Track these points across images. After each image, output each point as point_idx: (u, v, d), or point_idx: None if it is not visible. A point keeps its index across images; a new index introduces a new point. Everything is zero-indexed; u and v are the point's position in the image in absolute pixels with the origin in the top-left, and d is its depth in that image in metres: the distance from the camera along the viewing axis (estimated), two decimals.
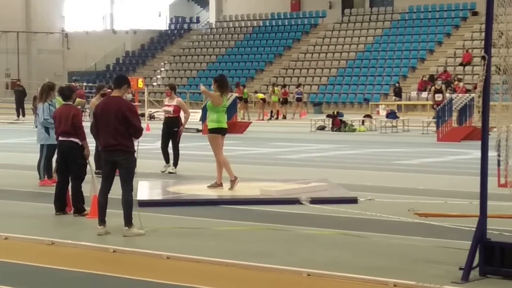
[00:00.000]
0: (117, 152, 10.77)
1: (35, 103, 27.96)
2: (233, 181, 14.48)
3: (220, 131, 14.76)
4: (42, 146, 15.64)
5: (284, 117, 44.79)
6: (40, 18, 70.56)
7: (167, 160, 18.02)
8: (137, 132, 10.90)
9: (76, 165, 12.35)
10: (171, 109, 18.01)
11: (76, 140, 12.40)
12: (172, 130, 17.93)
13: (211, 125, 14.80)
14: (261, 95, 44.46)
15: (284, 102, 45.12)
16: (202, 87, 15.54)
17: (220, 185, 14.69)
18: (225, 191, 14.58)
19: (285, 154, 23.27)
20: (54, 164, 15.52)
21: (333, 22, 60.07)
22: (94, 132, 12.61)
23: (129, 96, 12.39)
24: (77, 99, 15.59)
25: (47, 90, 15.43)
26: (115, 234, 10.84)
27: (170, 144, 18.03)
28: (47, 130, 15.33)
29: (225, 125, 14.97)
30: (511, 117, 8.70)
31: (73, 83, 45.85)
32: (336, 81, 53.47)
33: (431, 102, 43.25)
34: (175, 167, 17.92)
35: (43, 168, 15.70)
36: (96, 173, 13.64)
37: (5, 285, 8.23)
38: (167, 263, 9.33)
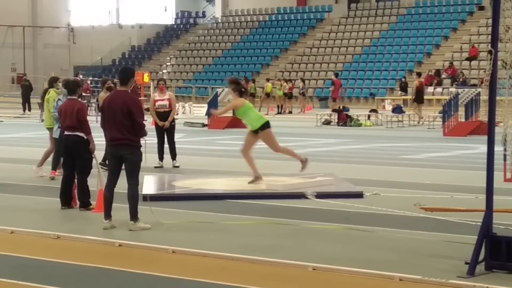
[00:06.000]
0: (123, 146, 10.78)
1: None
2: (304, 162, 14.69)
3: (268, 125, 14.62)
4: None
5: (290, 112, 44.76)
6: (46, 13, 70.62)
7: (162, 157, 17.95)
8: (139, 128, 10.86)
9: (81, 159, 12.35)
10: (166, 103, 17.95)
11: (82, 134, 12.40)
12: (169, 124, 17.88)
13: (258, 123, 14.50)
14: (270, 86, 44.34)
15: (290, 97, 45.08)
16: (215, 112, 15.29)
17: (260, 177, 14.51)
18: (229, 186, 14.58)
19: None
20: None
21: (339, 17, 60.01)
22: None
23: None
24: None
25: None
26: (120, 228, 10.85)
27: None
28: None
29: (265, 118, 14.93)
30: None
31: (77, 78, 45.90)
32: (342, 75, 53.39)
33: (437, 97, 43.38)
34: (176, 160, 17.89)
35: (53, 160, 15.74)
36: (101, 164, 13.74)
37: (11, 279, 8.24)
38: (172, 257, 9.34)
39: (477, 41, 50.12)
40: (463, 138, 26.22)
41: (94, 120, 23.27)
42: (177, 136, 18.82)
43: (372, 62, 53.31)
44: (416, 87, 34.49)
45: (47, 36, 71.21)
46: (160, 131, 17.93)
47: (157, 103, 17.93)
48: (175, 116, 18.62)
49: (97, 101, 22.93)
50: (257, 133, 14.55)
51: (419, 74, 37.28)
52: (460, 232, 10.29)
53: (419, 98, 34.47)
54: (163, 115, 17.87)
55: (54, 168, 15.72)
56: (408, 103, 42.52)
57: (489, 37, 8.74)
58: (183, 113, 41.19)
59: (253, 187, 14.19)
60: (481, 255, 8.29)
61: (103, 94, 16.80)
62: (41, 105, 31.13)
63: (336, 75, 42.90)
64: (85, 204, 12.35)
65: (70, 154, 12.50)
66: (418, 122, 33.87)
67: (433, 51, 52.66)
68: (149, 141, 12.33)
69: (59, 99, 15.25)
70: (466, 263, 8.27)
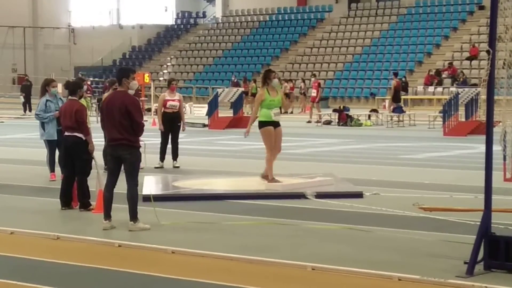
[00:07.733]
0: (122, 146, 10.80)
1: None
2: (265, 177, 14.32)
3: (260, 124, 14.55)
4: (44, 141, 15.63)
5: (291, 112, 44.74)
6: (47, 13, 70.64)
7: (164, 157, 17.91)
8: (138, 127, 10.89)
9: (81, 160, 12.37)
10: (177, 103, 17.94)
11: (81, 135, 12.41)
12: (176, 124, 17.89)
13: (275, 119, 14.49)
14: (255, 87, 44.56)
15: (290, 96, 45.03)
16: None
17: (273, 179, 14.38)
18: (229, 187, 14.58)
19: (291, 148, 23.25)
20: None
21: (339, 17, 60.01)
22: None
23: (133, 84, 11.75)
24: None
25: (43, 85, 15.47)
26: (120, 228, 10.86)
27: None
28: (42, 125, 15.32)
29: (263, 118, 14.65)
30: None
31: (82, 77, 45.89)
32: (342, 75, 53.44)
33: (438, 97, 43.42)
34: (176, 161, 17.86)
35: (48, 163, 15.70)
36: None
37: (11, 280, 8.25)
38: (172, 257, 9.35)
39: (478, 40, 50.10)
40: (463, 137, 26.24)
41: (95, 120, 23.28)
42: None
43: (372, 62, 53.31)
44: (393, 87, 35.44)
45: (48, 36, 71.21)
46: (166, 132, 17.85)
47: (168, 103, 17.81)
48: None
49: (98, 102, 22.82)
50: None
51: (395, 74, 38.11)
52: (459, 231, 10.31)
53: (396, 97, 35.23)
54: (172, 115, 17.81)
55: (53, 169, 15.67)
56: (409, 103, 42.64)
57: None
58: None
59: (253, 187, 14.19)
60: (480, 255, 8.30)
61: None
62: None
63: (314, 75, 43.97)
64: (85, 205, 12.37)
65: (69, 155, 12.52)
66: (399, 121, 34.10)
67: (433, 51, 52.65)
68: (149, 142, 12.35)
69: (48, 100, 15.19)
70: (465, 262, 8.28)
